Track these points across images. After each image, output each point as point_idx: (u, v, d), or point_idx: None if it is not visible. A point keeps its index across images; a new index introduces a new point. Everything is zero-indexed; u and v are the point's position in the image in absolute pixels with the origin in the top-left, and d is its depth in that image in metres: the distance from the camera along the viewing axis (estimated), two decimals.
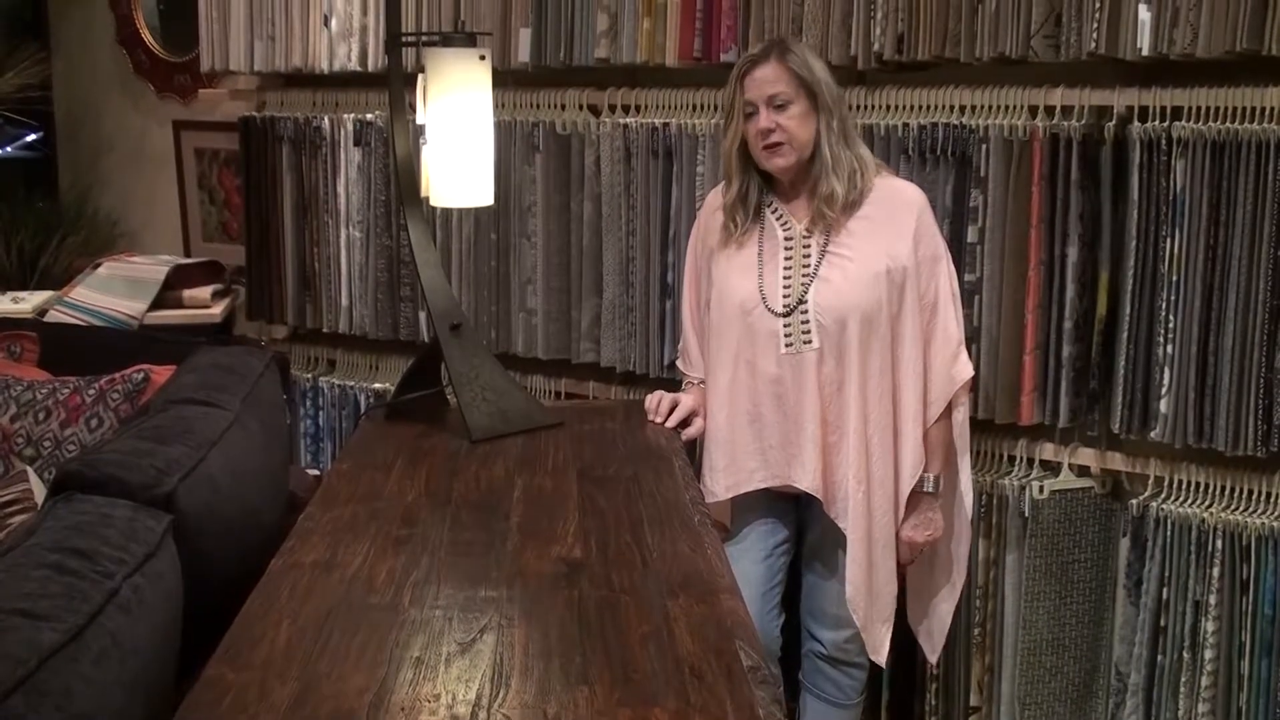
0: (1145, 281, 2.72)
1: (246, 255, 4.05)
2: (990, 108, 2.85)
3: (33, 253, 4.52)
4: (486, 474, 2.29)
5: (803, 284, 2.49)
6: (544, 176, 3.42)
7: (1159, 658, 2.81)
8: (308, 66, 3.78)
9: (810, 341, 2.47)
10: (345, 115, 3.76)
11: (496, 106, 2.58)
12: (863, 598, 2.52)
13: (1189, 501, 2.79)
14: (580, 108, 3.39)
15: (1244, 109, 2.57)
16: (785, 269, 2.51)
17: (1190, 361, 2.68)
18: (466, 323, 2.61)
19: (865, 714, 2.86)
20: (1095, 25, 2.64)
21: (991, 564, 2.98)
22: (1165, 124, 2.65)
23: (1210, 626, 2.73)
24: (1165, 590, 2.79)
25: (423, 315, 3.66)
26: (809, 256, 2.50)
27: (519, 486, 2.22)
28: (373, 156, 3.72)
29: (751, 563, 2.60)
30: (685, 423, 2.64)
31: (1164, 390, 2.71)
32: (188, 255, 4.45)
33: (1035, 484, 2.90)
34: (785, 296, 2.49)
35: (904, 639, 2.82)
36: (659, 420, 2.62)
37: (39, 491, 2.37)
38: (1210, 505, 2.76)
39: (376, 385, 3.88)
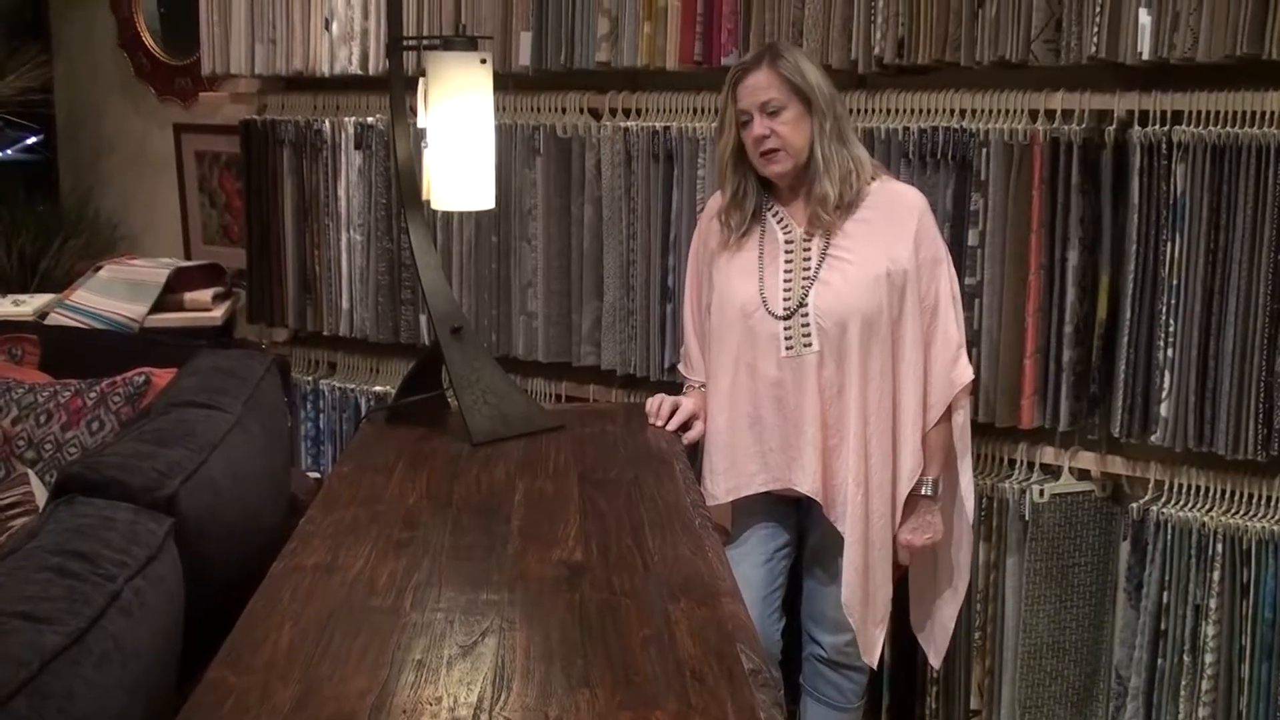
0: (1146, 285, 2.72)
1: (247, 258, 4.05)
2: (991, 112, 2.85)
3: (33, 255, 4.52)
4: (487, 477, 2.29)
5: (803, 287, 2.49)
6: (544, 180, 3.43)
7: (1159, 661, 2.82)
8: (308, 70, 3.78)
9: (811, 344, 2.47)
10: (346, 118, 3.76)
11: (497, 110, 2.59)
12: (858, 600, 2.52)
13: (1189, 505, 2.79)
14: (581, 111, 3.40)
15: (1244, 113, 2.57)
16: (786, 272, 2.51)
17: (1191, 365, 2.68)
18: (467, 326, 2.61)
19: (866, 717, 2.86)
20: (1095, 29, 2.65)
21: (992, 567, 2.98)
22: (1165, 128, 2.66)
23: (1210, 630, 2.73)
24: (1166, 594, 2.79)
25: (423, 318, 3.67)
26: (809, 259, 2.50)
27: (520, 490, 2.23)
28: (373, 160, 3.73)
29: (753, 566, 2.61)
30: (686, 426, 2.64)
31: (1164, 394, 2.71)
32: (188, 258, 4.45)
33: (1036, 487, 2.91)
34: (786, 299, 2.50)
35: (904, 641, 2.82)
36: (660, 423, 2.62)
37: (40, 494, 2.38)
38: (1210, 509, 2.76)
39: (377, 388, 3.88)
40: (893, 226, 2.49)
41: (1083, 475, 2.93)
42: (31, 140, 4.88)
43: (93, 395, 2.82)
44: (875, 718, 3.09)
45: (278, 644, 1.60)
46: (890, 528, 2.56)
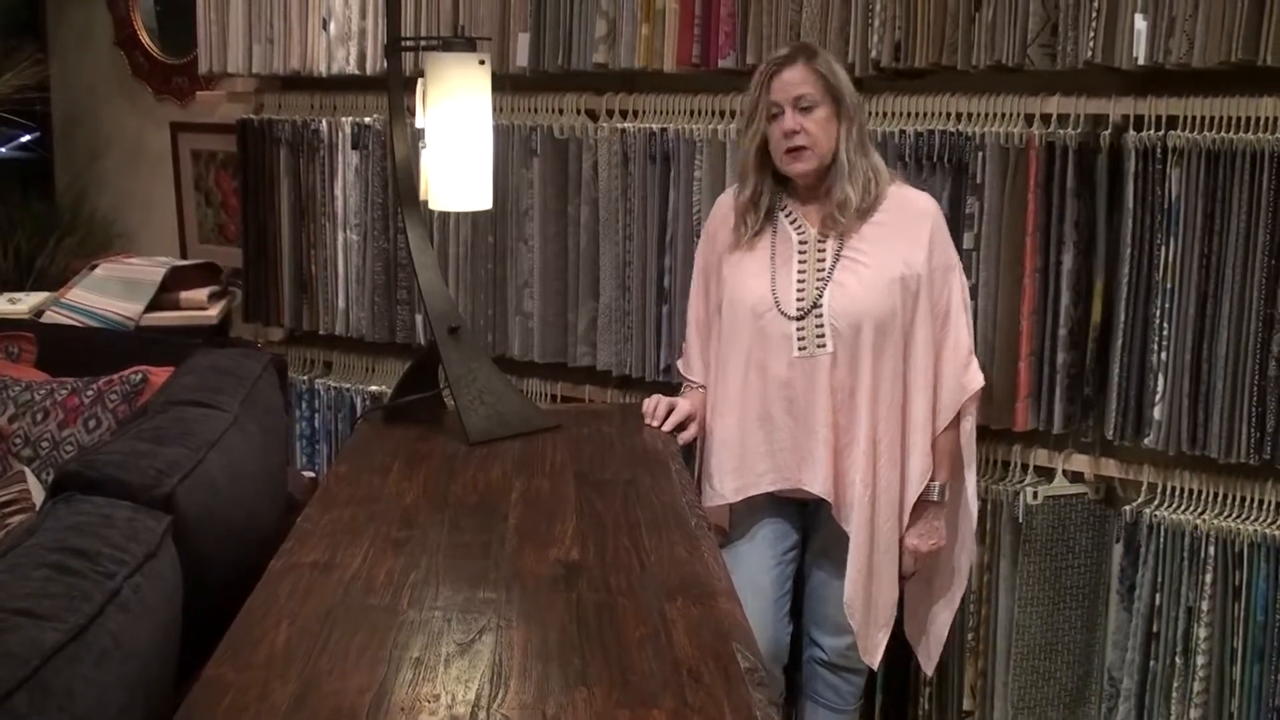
0: (1140, 289, 2.73)
1: (243, 257, 4.05)
2: (987, 116, 2.87)
3: (29, 254, 4.52)
4: (484, 476, 2.30)
5: (817, 288, 2.49)
6: (541, 180, 3.43)
7: (1151, 663, 2.83)
8: (306, 69, 3.78)
9: (824, 345, 2.47)
10: (343, 118, 3.77)
11: (494, 110, 2.59)
12: (860, 601, 2.53)
13: (1182, 508, 2.80)
14: (578, 112, 3.40)
15: (1239, 119, 2.59)
16: (799, 272, 2.51)
17: (1184, 368, 2.69)
18: (464, 325, 2.62)
19: (859, 718, 2.86)
20: (1092, 34, 2.66)
21: (985, 569, 2.99)
22: (1160, 133, 2.67)
23: (1202, 632, 2.74)
24: (1158, 596, 2.80)
25: (419, 318, 3.67)
26: (823, 260, 2.50)
27: (517, 489, 2.23)
28: (370, 159, 3.73)
29: (762, 570, 2.60)
30: (681, 426, 2.64)
31: (1158, 397, 2.73)
32: (184, 257, 4.45)
33: (1029, 490, 2.92)
34: (799, 300, 2.49)
35: (898, 643, 2.83)
36: (655, 424, 2.63)
37: (37, 492, 2.38)
38: (1203, 512, 2.77)
39: (373, 387, 3.89)
40: (907, 232, 2.50)
41: (1076, 478, 2.95)
42: (27, 138, 4.88)
43: (90, 393, 2.83)
44: (869, 718, 3.09)
45: (276, 642, 1.61)
46: (896, 531, 2.56)
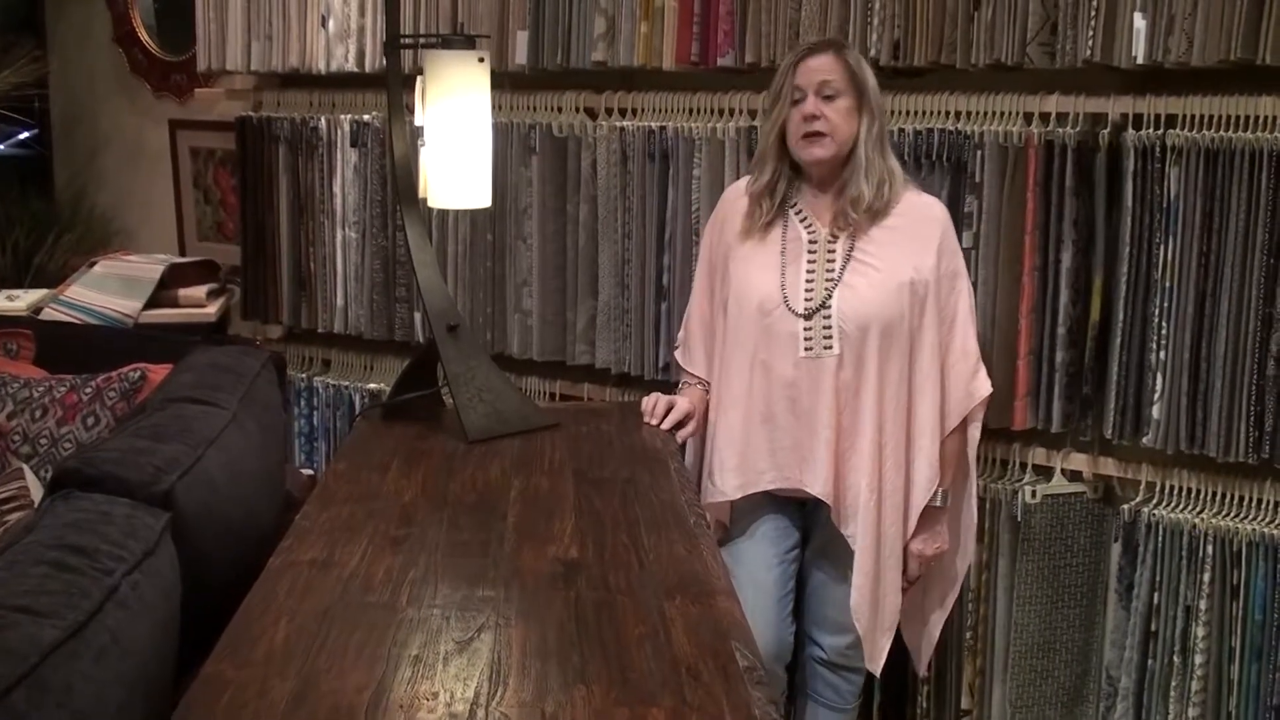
0: (1138, 288, 2.74)
1: (242, 255, 4.05)
2: (986, 114, 2.87)
3: (28, 251, 4.52)
4: (483, 474, 2.30)
5: (826, 288, 2.48)
6: (540, 178, 3.43)
7: (1149, 662, 2.83)
8: (305, 67, 3.78)
9: (831, 346, 2.47)
10: (342, 116, 3.77)
11: (494, 108, 2.59)
12: (867, 607, 2.52)
13: (1180, 507, 2.80)
14: (577, 110, 3.40)
15: (1238, 117, 2.59)
16: (809, 271, 2.50)
17: (1182, 367, 2.69)
18: (463, 323, 2.62)
19: (858, 716, 2.86)
20: (1091, 33, 2.66)
21: (984, 568, 2.99)
22: (1159, 132, 2.67)
23: (1201, 631, 2.74)
24: (1156, 595, 2.81)
25: (418, 316, 3.67)
26: (833, 260, 2.49)
27: (515, 487, 2.23)
28: (369, 157, 3.73)
29: (764, 568, 2.60)
30: (679, 425, 2.63)
31: (1156, 396, 2.73)
32: (183, 254, 4.46)
33: (1028, 489, 2.92)
34: (808, 299, 2.49)
35: (896, 642, 2.83)
36: (654, 422, 2.62)
37: (35, 489, 2.37)
38: (1201, 511, 2.78)
39: (371, 385, 3.89)
40: (918, 237, 2.50)
41: (1074, 476, 2.95)
42: (26, 135, 4.88)
43: (88, 390, 2.82)
44: (867, 717, 3.09)
45: (274, 639, 1.61)
46: (901, 537, 2.55)
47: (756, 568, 2.59)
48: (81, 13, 4.79)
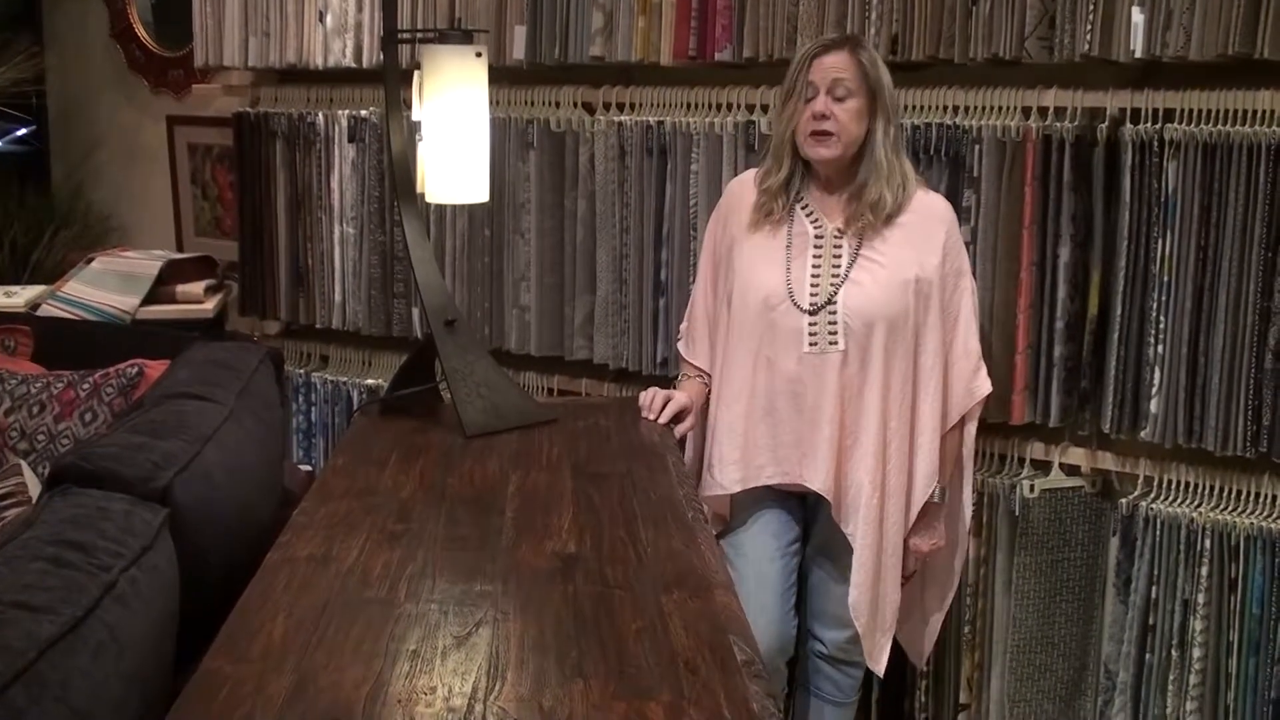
0: (1136, 282, 2.74)
1: (240, 251, 4.05)
2: (984, 109, 2.86)
3: (25, 247, 4.52)
4: (481, 469, 2.30)
5: (832, 284, 2.47)
6: (538, 173, 3.43)
7: (1147, 656, 2.83)
8: (302, 62, 3.78)
9: (836, 343, 2.46)
10: (339, 111, 3.76)
11: (491, 103, 2.59)
12: (866, 604, 2.52)
13: (1178, 501, 2.81)
14: (575, 105, 3.40)
15: (1236, 111, 2.59)
16: (814, 267, 2.50)
17: (1180, 362, 2.69)
18: (461, 319, 2.62)
19: (856, 710, 2.86)
20: (1089, 27, 2.66)
21: (982, 562, 2.99)
22: (1157, 126, 2.67)
23: (1198, 625, 2.75)
24: (1154, 589, 2.81)
25: (416, 311, 3.67)
26: (839, 257, 2.49)
27: (513, 482, 2.23)
28: (367, 153, 3.73)
29: (767, 560, 2.59)
30: (677, 419, 2.63)
31: (1154, 390, 2.73)
32: (181, 250, 4.45)
33: (1026, 483, 2.92)
34: (813, 295, 2.48)
35: (894, 637, 2.83)
36: (653, 417, 2.62)
37: (33, 485, 2.38)
38: (1199, 505, 2.78)
39: (369, 381, 3.89)
40: (924, 235, 2.49)
41: (1072, 471, 2.95)
42: (23, 132, 4.87)
43: (86, 387, 2.82)
44: (865, 711, 3.10)
45: (272, 634, 1.61)
46: (902, 534, 2.55)
47: (759, 559, 2.58)
48: (79, 9, 4.79)
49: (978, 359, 2.57)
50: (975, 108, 2.87)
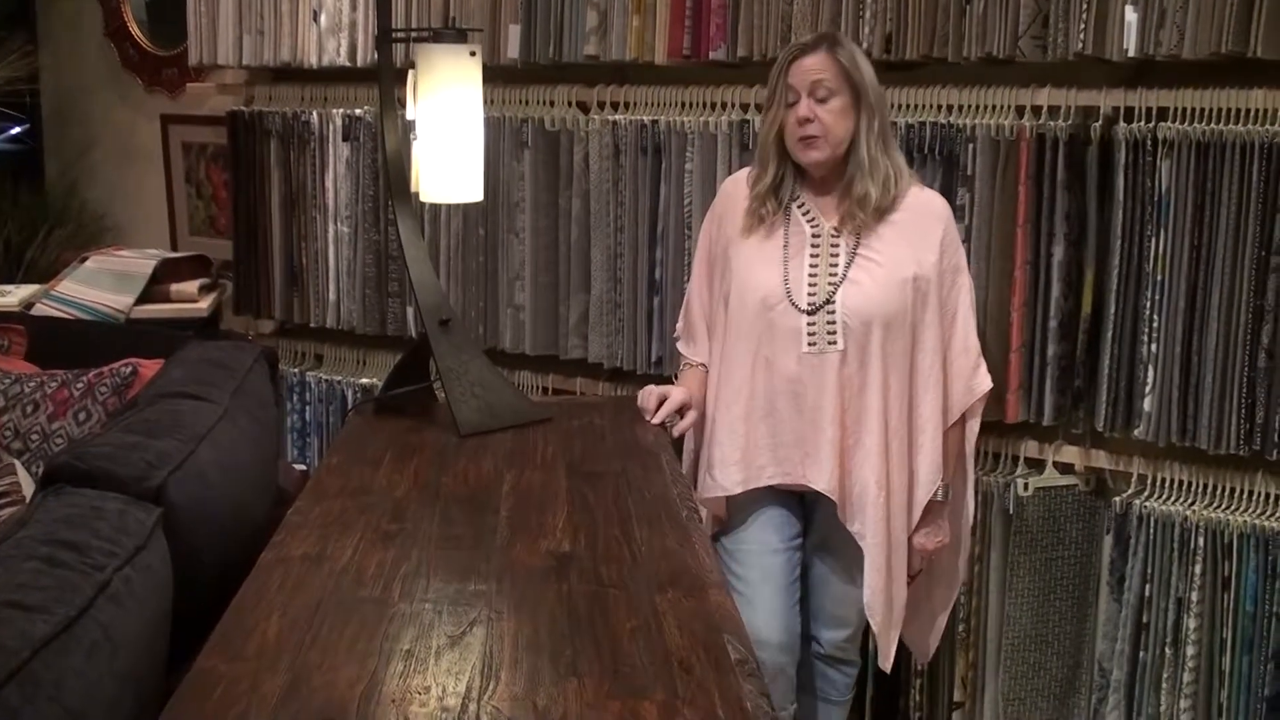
0: (1130, 281, 2.74)
1: (234, 250, 4.05)
2: (977, 107, 2.87)
3: (19, 246, 4.51)
4: (475, 469, 2.30)
5: (830, 283, 2.46)
6: (533, 173, 3.43)
7: (1141, 654, 2.84)
8: (296, 61, 3.78)
9: (835, 343, 2.45)
10: (334, 110, 3.76)
11: (486, 102, 2.59)
12: (881, 603, 2.50)
13: (1172, 499, 2.81)
14: (569, 104, 3.40)
15: (1229, 110, 2.59)
16: (812, 266, 2.49)
17: (1174, 360, 2.70)
18: (455, 318, 2.62)
19: (850, 709, 2.87)
20: (1082, 26, 2.66)
21: (976, 560, 3.00)
22: (1151, 125, 2.67)
23: (1192, 623, 2.75)
24: (1148, 587, 2.81)
25: (410, 310, 3.67)
26: (836, 256, 2.48)
27: (508, 481, 2.23)
28: (361, 152, 3.73)
29: (771, 555, 2.57)
30: (680, 414, 2.60)
31: (1148, 388, 2.73)
32: (175, 249, 4.45)
33: (1020, 481, 2.92)
34: (811, 294, 2.47)
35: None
36: (652, 419, 2.59)
37: (26, 484, 2.37)
38: (1193, 503, 2.78)
39: (364, 380, 3.89)
40: (921, 232, 2.48)
41: (1066, 469, 2.95)
42: (17, 130, 4.86)
43: (79, 386, 2.82)
44: (860, 709, 3.10)
45: (266, 634, 1.61)
46: (906, 531, 2.55)
47: (763, 554, 2.57)
48: (73, 7, 4.79)
49: (977, 355, 2.56)
50: (969, 106, 2.88)
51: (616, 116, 3.31)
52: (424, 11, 3.52)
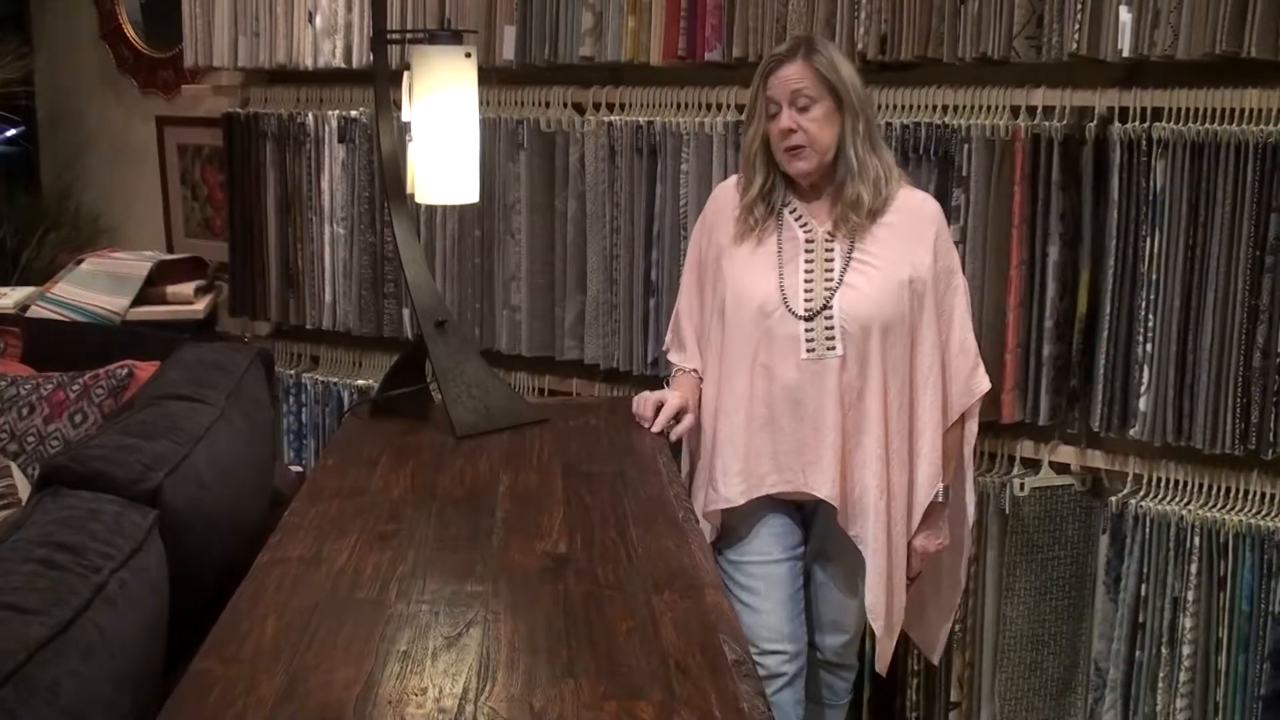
0: (1125, 281, 2.74)
1: (230, 251, 4.04)
2: (972, 108, 2.87)
3: (15, 248, 4.52)
4: (472, 470, 2.30)
5: (826, 288, 2.44)
6: (528, 174, 3.43)
7: (1137, 653, 2.84)
8: (292, 63, 3.78)
9: (834, 348, 2.42)
10: (329, 112, 3.76)
11: (481, 104, 2.59)
12: (883, 607, 2.49)
13: (1167, 499, 2.82)
14: (565, 105, 3.40)
15: (1223, 110, 2.60)
16: (807, 272, 2.46)
17: (1169, 360, 2.70)
18: (451, 319, 2.62)
19: (848, 710, 2.87)
20: (1077, 26, 2.67)
21: (972, 560, 3.00)
22: (1145, 125, 2.68)
23: (1188, 622, 2.75)
24: (1144, 586, 2.82)
25: (406, 312, 3.67)
26: (832, 261, 2.46)
27: (504, 482, 2.23)
28: (356, 153, 3.72)
29: (775, 563, 2.55)
30: (676, 419, 2.60)
31: (1143, 388, 2.74)
32: (170, 251, 4.45)
33: (1016, 481, 2.93)
34: (808, 300, 2.44)
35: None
36: (657, 429, 2.56)
37: (23, 487, 2.38)
38: (1188, 502, 2.79)
39: (360, 382, 3.89)
40: (914, 234, 2.46)
41: (1062, 469, 2.96)
42: (12, 133, 4.86)
43: (75, 388, 2.82)
44: (857, 710, 3.10)
45: (263, 635, 1.61)
46: (907, 534, 2.54)
47: (766, 565, 2.54)
48: (67, 9, 4.78)
49: (975, 356, 2.55)
50: (964, 107, 2.88)
51: (612, 118, 3.31)
52: (419, 13, 3.52)
